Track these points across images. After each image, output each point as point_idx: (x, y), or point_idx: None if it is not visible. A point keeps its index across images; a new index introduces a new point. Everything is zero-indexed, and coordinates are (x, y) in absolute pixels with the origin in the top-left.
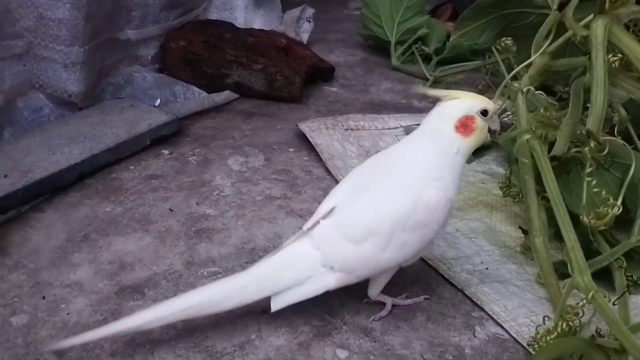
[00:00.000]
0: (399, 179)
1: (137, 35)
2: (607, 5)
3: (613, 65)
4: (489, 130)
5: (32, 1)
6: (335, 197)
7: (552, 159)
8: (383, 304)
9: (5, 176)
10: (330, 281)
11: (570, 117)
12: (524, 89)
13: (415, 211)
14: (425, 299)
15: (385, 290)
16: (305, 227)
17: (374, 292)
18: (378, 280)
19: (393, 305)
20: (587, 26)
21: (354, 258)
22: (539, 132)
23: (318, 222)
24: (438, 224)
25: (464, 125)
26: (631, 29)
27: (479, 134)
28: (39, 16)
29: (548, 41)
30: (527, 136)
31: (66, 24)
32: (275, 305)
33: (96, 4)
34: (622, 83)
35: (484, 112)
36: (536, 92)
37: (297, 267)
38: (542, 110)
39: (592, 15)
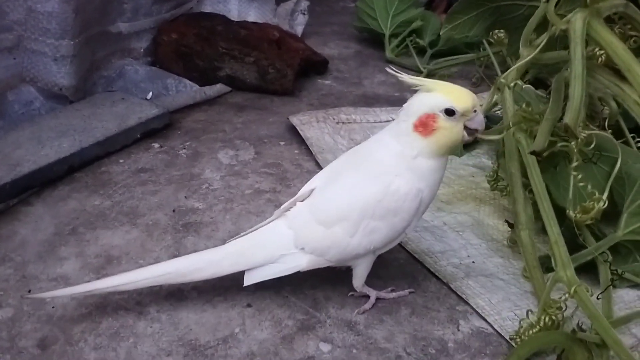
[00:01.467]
0: (369, 169)
1: (129, 28)
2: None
3: (599, 59)
4: (468, 129)
5: None
6: (314, 183)
7: (533, 153)
8: (368, 297)
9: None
10: (301, 262)
11: (550, 112)
12: (511, 84)
13: (385, 199)
14: (410, 292)
15: (371, 284)
16: (282, 208)
17: (357, 282)
18: (357, 269)
19: (377, 299)
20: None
21: (323, 241)
22: (522, 127)
23: (295, 204)
24: (408, 214)
25: (424, 125)
26: (617, 26)
27: (446, 134)
28: (28, 9)
29: (535, 35)
30: (513, 130)
31: (56, 17)
32: (247, 280)
33: None
34: (600, 78)
35: (449, 112)
36: (525, 85)
37: (271, 246)
38: (524, 105)
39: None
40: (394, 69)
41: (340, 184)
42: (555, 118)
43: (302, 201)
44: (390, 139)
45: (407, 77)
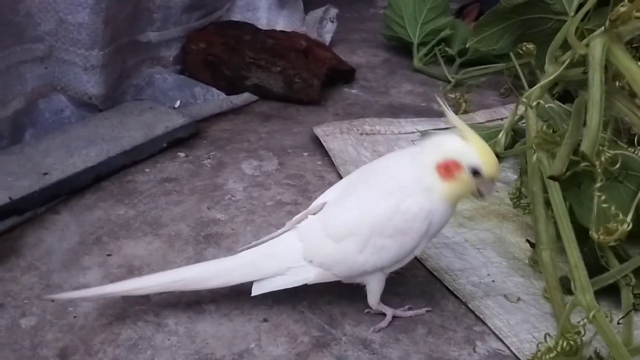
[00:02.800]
0: (383, 187)
1: (159, 37)
2: (607, 24)
3: (620, 86)
4: (478, 190)
5: (52, 6)
6: (327, 196)
7: (551, 178)
8: (384, 315)
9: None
10: (309, 275)
11: (570, 136)
12: (533, 103)
13: (394, 217)
14: (427, 311)
15: (387, 301)
16: (294, 220)
17: (371, 300)
18: (369, 287)
19: (394, 317)
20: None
21: (332, 255)
22: (544, 147)
23: (307, 216)
24: (417, 234)
25: (447, 169)
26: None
27: (461, 186)
28: (59, 20)
29: (561, 51)
30: (535, 149)
31: (86, 28)
32: (255, 290)
33: (116, 7)
34: (619, 104)
35: (475, 171)
36: (548, 104)
37: (281, 257)
38: (544, 126)
39: (600, 30)
40: (442, 102)
41: (352, 199)
42: (575, 142)
43: (314, 214)
44: (409, 163)
45: (452, 116)
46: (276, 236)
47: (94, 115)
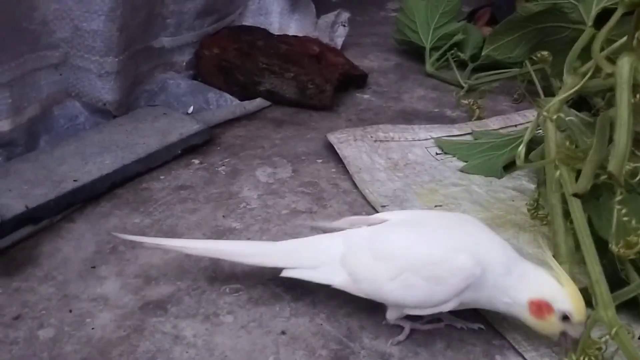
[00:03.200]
0: (452, 235)
1: (172, 42)
2: (634, 43)
3: None
4: (563, 334)
5: (67, 13)
6: (391, 215)
7: (575, 196)
8: (402, 328)
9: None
10: (337, 279)
11: (594, 154)
12: (553, 117)
13: (439, 263)
14: (445, 325)
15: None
16: (350, 220)
17: (389, 316)
18: (390, 309)
19: (412, 330)
20: (613, 60)
21: (364, 269)
22: (565, 161)
23: (361, 225)
24: (451, 289)
25: (539, 309)
26: None
27: (546, 327)
28: (74, 28)
29: (580, 62)
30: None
31: (101, 35)
32: (285, 273)
33: (131, 14)
34: None
35: (565, 317)
36: (568, 117)
37: (319, 253)
38: (567, 142)
39: (620, 41)
40: (544, 247)
41: (413, 230)
42: (599, 159)
43: (369, 225)
44: (497, 265)
45: (550, 259)
46: (328, 229)
47: (108, 121)
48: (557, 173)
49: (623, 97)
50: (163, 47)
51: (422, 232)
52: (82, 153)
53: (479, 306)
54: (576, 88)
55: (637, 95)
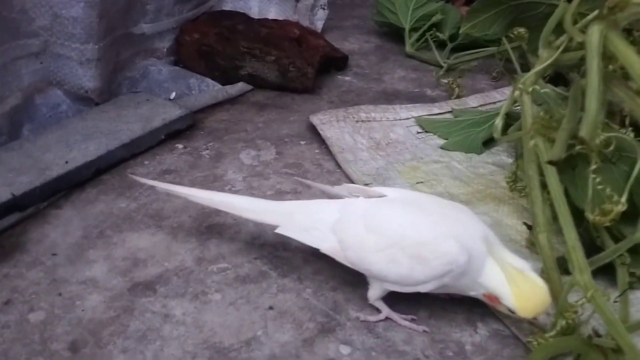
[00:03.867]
0: (442, 222)
1: (152, 28)
2: (604, 11)
3: (614, 70)
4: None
5: (46, 1)
6: (389, 191)
7: (550, 163)
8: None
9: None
10: (325, 244)
11: (567, 122)
12: (529, 89)
13: (427, 244)
14: (424, 331)
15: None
16: (350, 187)
17: (370, 295)
18: (372, 286)
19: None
20: (584, 30)
21: (354, 239)
22: (541, 131)
23: (360, 195)
24: (432, 271)
25: (490, 299)
26: (638, 32)
27: (505, 313)
28: (54, 15)
29: (554, 36)
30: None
31: (80, 22)
32: (279, 230)
33: (110, 0)
34: (616, 90)
35: (511, 311)
36: (544, 89)
37: (314, 217)
38: (542, 112)
39: (593, 14)
40: (499, 243)
41: (408, 208)
42: (573, 127)
43: (367, 197)
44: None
45: (508, 256)
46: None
47: (91, 109)
48: (532, 143)
49: (593, 65)
50: (143, 34)
51: (416, 213)
52: (66, 140)
53: (456, 292)
54: (550, 60)
55: (610, 65)
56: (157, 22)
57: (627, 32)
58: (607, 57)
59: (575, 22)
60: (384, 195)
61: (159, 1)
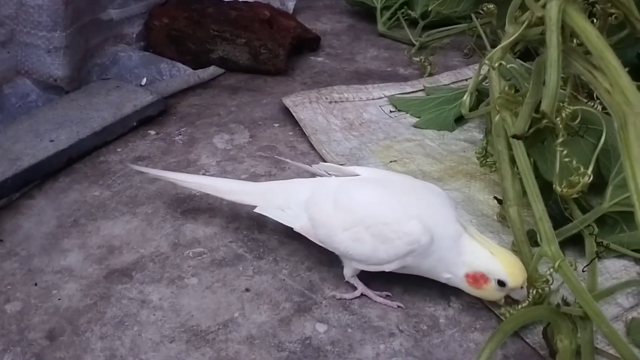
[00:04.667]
0: (410, 202)
1: (120, 14)
2: None
3: (576, 44)
4: (509, 298)
5: None
6: (362, 170)
7: (514, 137)
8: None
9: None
10: (297, 222)
11: (530, 96)
12: (495, 64)
13: (390, 224)
14: (398, 306)
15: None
16: (325, 165)
17: (345, 272)
18: (345, 264)
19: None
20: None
21: (323, 217)
22: (507, 106)
23: (333, 173)
24: (394, 250)
25: (475, 280)
26: (600, 5)
27: (487, 294)
28: (19, 3)
29: (520, 12)
30: (499, 109)
31: (46, 10)
32: (257, 210)
33: None
34: (576, 64)
35: (501, 283)
36: (510, 65)
37: (289, 196)
38: (506, 87)
39: None
40: (467, 223)
41: (378, 187)
42: (536, 101)
43: (339, 176)
44: (448, 240)
45: (475, 233)
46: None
47: (61, 97)
48: (497, 117)
49: (553, 38)
50: (111, 20)
51: (384, 192)
52: (37, 130)
53: (422, 274)
54: (515, 36)
55: (575, 40)
56: (126, 8)
57: (592, 5)
58: (571, 33)
59: None
60: (357, 175)
61: None
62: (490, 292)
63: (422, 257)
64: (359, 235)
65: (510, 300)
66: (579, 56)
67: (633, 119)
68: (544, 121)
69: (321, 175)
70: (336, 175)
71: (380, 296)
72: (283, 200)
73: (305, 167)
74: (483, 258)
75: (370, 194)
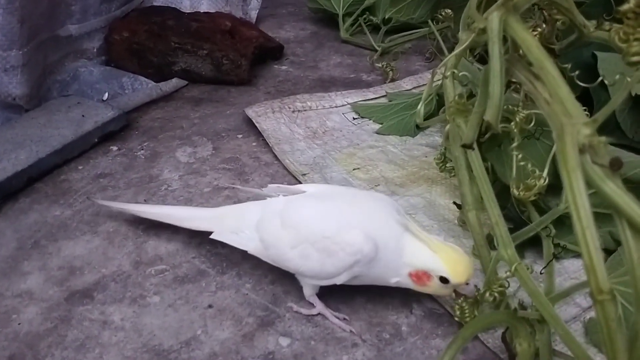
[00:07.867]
0: (354, 212)
1: (80, 29)
2: None
3: (519, 55)
4: (456, 292)
5: None
6: (309, 187)
7: (463, 146)
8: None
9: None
10: (251, 244)
11: (478, 105)
12: (447, 73)
13: (332, 237)
14: (351, 331)
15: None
16: (274, 187)
17: (305, 291)
18: (301, 280)
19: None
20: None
21: (272, 237)
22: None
23: (280, 195)
24: (340, 263)
25: (418, 278)
26: (545, 12)
27: (437, 291)
28: None
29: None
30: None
31: (1, 29)
32: (213, 235)
33: (31, 4)
34: (518, 73)
35: (444, 280)
36: (471, 65)
37: (241, 220)
38: (461, 93)
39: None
40: (409, 218)
41: (320, 203)
42: (483, 111)
43: (286, 195)
44: (389, 239)
45: (416, 230)
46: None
47: (20, 116)
48: (447, 127)
49: (495, 50)
50: (71, 35)
51: (327, 206)
52: None
53: (374, 282)
54: (466, 44)
55: (520, 50)
56: (85, 23)
57: (540, 10)
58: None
59: (483, 6)
60: (304, 192)
61: (84, 1)
62: (435, 288)
63: (370, 265)
64: (306, 251)
65: (460, 297)
66: (522, 66)
67: (570, 130)
68: (500, 125)
69: (271, 197)
70: (284, 195)
71: (338, 317)
72: (236, 223)
73: (256, 191)
74: (424, 256)
75: (313, 210)
